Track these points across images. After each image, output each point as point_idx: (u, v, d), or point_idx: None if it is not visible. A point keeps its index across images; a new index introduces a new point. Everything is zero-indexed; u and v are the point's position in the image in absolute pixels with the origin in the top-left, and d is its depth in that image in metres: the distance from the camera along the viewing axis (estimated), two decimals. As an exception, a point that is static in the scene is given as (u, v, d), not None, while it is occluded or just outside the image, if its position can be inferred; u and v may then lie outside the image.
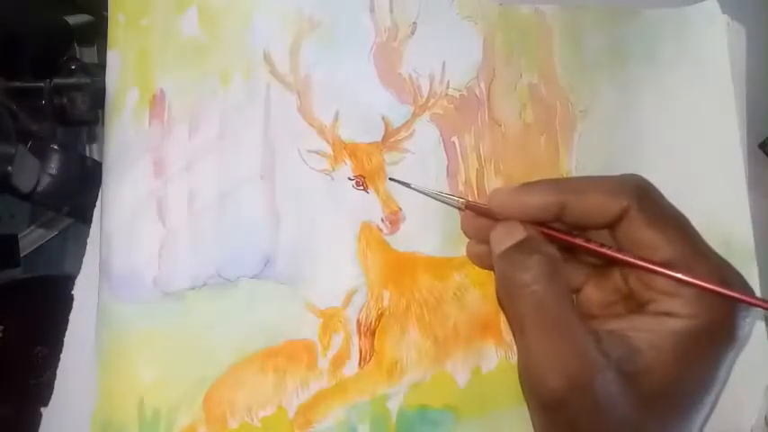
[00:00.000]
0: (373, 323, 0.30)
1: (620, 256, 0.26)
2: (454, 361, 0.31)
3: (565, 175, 0.34)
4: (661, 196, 0.27)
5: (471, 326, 0.31)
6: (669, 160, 0.35)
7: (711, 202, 0.34)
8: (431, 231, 0.32)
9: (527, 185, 0.28)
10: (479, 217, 0.30)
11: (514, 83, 0.34)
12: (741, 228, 0.34)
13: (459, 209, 0.31)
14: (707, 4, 0.37)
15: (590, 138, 0.34)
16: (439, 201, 0.32)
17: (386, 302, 0.31)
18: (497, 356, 0.31)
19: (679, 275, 0.25)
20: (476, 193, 0.33)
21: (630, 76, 0.35)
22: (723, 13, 0.36)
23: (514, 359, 0.31)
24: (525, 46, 0.35)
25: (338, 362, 0.30)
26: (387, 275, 0.31)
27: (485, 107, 0.34)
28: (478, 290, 0.32)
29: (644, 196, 0.26)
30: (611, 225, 0.27)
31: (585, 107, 0.35)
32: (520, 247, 0.27)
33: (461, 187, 0.33)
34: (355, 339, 0.30)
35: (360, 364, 0.30)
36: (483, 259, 0.31)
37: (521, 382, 0.27)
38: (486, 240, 0.29)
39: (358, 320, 0.30)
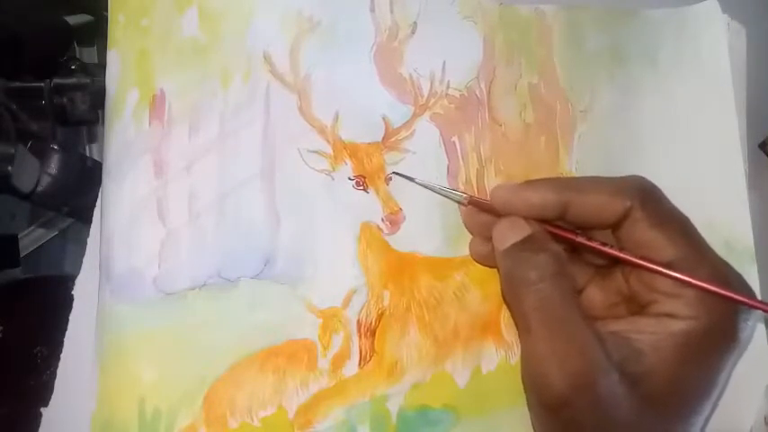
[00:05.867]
0: (373, 323, 0.30)
1: (622, 255, 0.26)
2: (454, 361, 0.31)
3: (565, 176, 0.34)
4: (664, 198, 0.27)
5: (471, 326, 0.31)
6: (669, 160, 0.35)
7: (711, 202, 0.34)
8: (431, 231, 0.32)
9: (530, 182, 0.28)
10: (482, 213, 0.30)
11: (515, 83, 0.34)
12: (741, 228, 0.34)
13: (462, 204, 0.31)
14: (707, 4, 0.37)
15: (590, 138, 0.34)
16: (442, 195, 0.32)
17: (386, 302, 0.31)
18: (497, 356, 0.31)
19: (681, 276, 0.25)
20: (476, 192, 0.33)
21: (630, 76, 0.35)
22: (723, 13, 0.37)
23: (514, 359, 0.31)
24: (525, 46, 0.35)
25: (338, 362, 0.30)
26: (387, 275, 0.31)
27: (485, 107, 0.34)
28: (479, 290, 0.32)
29: (647, 197, 0.26)
30: (614, 225, 0.27)
31: (585, 107, 0.35)
32: (525, 243, 0.27)
33: (462, 187, 0.33)
34: (355, 339, 0.30)
35: (360, 364, 0.30)
36: (486, 257, 0.31)
37: (523, 381, 0.27)
38: (488, 237, 0.29)
39: (358, 320, 0.30)
